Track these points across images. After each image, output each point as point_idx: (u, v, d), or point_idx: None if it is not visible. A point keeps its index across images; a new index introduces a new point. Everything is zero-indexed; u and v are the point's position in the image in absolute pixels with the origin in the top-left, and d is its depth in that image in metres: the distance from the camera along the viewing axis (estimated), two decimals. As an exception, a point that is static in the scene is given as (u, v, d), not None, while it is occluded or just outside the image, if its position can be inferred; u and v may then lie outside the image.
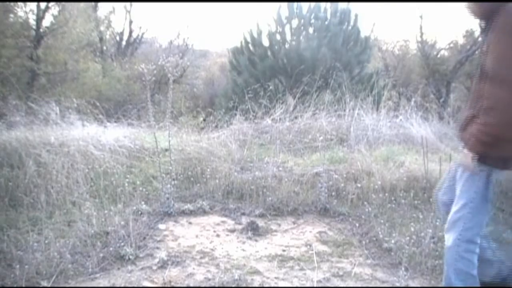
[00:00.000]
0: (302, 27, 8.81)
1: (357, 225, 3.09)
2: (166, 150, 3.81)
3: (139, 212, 3.18)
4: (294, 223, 3.23)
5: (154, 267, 2.40)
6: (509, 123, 1.67)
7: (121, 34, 14.20)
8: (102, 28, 12.77)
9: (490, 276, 2.03)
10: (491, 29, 1.72)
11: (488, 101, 1.70)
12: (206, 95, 13.23)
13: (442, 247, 2.58)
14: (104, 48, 12.89)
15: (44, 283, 2.15)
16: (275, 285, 2.25)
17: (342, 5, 8.90)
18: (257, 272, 2.38)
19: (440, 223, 2.85)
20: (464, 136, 1.83)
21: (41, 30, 9.52)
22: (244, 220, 3.18)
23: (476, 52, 11.89)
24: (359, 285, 2.28)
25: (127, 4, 13.74)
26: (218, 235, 2.93)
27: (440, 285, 2.27)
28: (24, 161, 3.52)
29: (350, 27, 8.82)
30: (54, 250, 2.39)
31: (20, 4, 9.24)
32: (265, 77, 8.48)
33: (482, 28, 1.80)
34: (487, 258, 2.01)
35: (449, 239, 1.91)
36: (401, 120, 5.70)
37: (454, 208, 1.91)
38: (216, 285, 2.20)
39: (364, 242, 2.83)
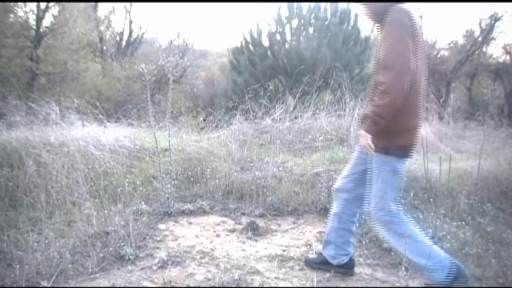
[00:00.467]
0: (302, 27, 8.81)
1: (357, 225, 3.09)
2: (166, 150, 3.81)
3: (139, 212, 3.18)
4: (294, 223, 3.23)
5: (154, 267, 2.40)
6: (398, 105, 1.90)
7: (121, 34, 14.21)
8: (102, 28, 12.78)
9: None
10: (383, 26, 1.97)
11: (381, 86, 1.91)
12: (206, 95, 13.23)
13: (443, 247, 2.58)
14: (104, 48, 12.90)
15: (44, 283, 2.15)
16: (275, 285, 2.25)
17: (342, 5, 8.91)
18: (257, 272, 2.38)
19: (440, 223, 2.85)
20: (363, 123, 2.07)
21: (41, 30, 9.52)
22: (244, 220, 3.18)
23: (476, 52, 11.90)
24: (359, 285, 2.28)
25: (127, 4, 13.76)
26: (218, 235, 2.93)
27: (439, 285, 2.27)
28: (24, 161, 3.52)
29: (350, 27, 8.82)
30: (54, 250, 2.39)
31: (20, 4, 9.25)
32: (265, 77, 8.47)
33: (377, 28, 2.06)
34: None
35: (370, 217, 2.16)
36: (401, 120, 5.69)
37: (368, 193, 2.14)
38: (216, 285, 2.20)
39: (364, 242, 2.83)
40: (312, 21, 8.80)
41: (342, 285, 2.27)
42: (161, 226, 3.05)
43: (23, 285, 2.12)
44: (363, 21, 9.07)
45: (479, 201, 3.31)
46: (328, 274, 2.36)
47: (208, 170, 3.86)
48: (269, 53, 8.86)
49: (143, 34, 14.68)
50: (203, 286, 2.21)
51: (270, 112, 5.38)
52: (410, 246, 2.00)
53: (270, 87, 6.19)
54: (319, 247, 2.76)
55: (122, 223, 2.82)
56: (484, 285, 2.29)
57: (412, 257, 2.05)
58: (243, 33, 9.28)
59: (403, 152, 2.03)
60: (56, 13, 9.85)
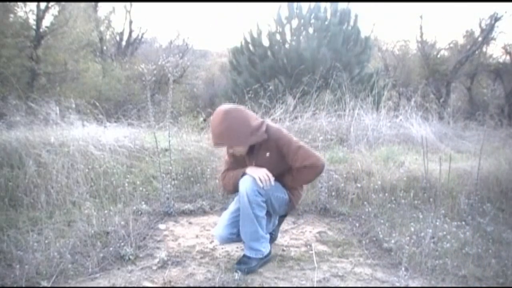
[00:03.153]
0: (302, 27, 8.81)
1: (357, 225, 3.09)
2: (166, 150, 3.81)
3: (139, 212, 3.18)
4: (294, 223, 3.23)
5: (154, 267, 2.40)
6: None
7: (121, 34, 14.18)
8: (102, 28, 12.75)
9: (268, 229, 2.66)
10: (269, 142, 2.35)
11: (314, 175, 2.50)
12: (206, 95, 13.20)
13: (442, 247, 2.58)
14: (104, 48, 12.87)
15: (44, 283, 2.14)
16: (275, 285, 2.25)
17: (342, 5, 8.91)
18: (257, 272, 2.38)
19: (440, 223, 2.86)
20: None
21: (41, 30, 9.50)
22: (244, 220, 3.18)
23: (476, 52, 11.90)
24: (359, 285, 2.28)
25: (127, 4, 13.74)
26: (218, 235, 2.92)
27: (439, 285, 2.27)
28: (24, 161, 3.52)
29: (350, 27, 8.82)
30: (54, 250, 2.39)
31: (20, 4, 9.24)
32: (265, 77, 8.47)
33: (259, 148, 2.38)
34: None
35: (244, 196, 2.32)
36: (401, 120, 5.72)
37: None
38: (216, 285, 2.20)
39: (364, 242, 2.83)
40: (312, 21, 8.81)
41: (342, 285, 2.27)
42: (161, 226, 3.05)
43: (23, 285, 2.12)
44: (363, 21, 9.09)
45: (479, 201, 3.31)
46: (327, 274, 2.37)
47: (208, 170, 3.86)
48: (269, 53, 8.86)
49: (143, 34, 14.65)
50: (203, 286, 2.21)
51: (270, 112, 5.38)
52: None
53: (270, 87, 6.19)
54: (319, 247, 2.76)
55: (122, 223, 2.82)
56: (484, 285, 2.29)
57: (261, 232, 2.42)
58: (243, 33, 9.30)
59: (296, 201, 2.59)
60: (56, 13, 9.83)
